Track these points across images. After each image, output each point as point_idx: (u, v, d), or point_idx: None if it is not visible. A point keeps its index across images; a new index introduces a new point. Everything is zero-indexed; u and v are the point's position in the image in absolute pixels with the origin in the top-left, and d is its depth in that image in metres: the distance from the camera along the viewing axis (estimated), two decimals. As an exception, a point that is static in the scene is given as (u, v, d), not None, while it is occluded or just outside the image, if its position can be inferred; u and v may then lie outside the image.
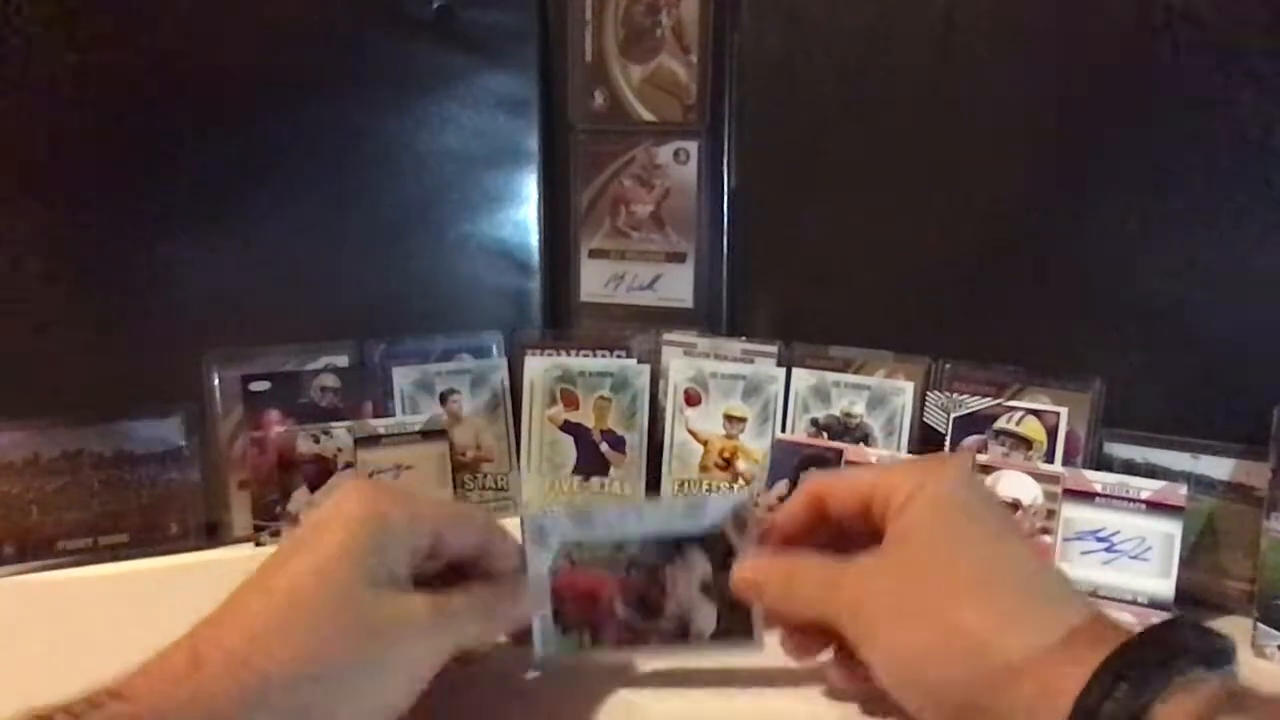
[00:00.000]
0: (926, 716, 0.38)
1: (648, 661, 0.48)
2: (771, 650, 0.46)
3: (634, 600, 0.46)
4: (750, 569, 0.45)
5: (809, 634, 0.44)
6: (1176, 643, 0.34)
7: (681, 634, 0.46)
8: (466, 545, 0.43)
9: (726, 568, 0.45)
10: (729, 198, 0.75)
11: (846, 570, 0.41)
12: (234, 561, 0.52)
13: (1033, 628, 0.36)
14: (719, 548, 0.46)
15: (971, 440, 0.64)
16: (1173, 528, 0.55)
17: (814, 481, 0.46)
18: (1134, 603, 0.55)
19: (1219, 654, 0.34)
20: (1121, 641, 0.34)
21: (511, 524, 0.47)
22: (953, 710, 0.36)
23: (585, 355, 0.73)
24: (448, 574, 0.43)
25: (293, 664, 0.35)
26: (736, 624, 0.45)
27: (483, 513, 0.50)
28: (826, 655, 0.45)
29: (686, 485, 0.70)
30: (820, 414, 0.68)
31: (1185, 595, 0.56)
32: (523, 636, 0.46)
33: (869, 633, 0.39)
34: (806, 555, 0.44)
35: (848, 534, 0.44)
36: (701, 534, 0.46)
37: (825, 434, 0.67)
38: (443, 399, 0.71)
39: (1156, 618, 0.54)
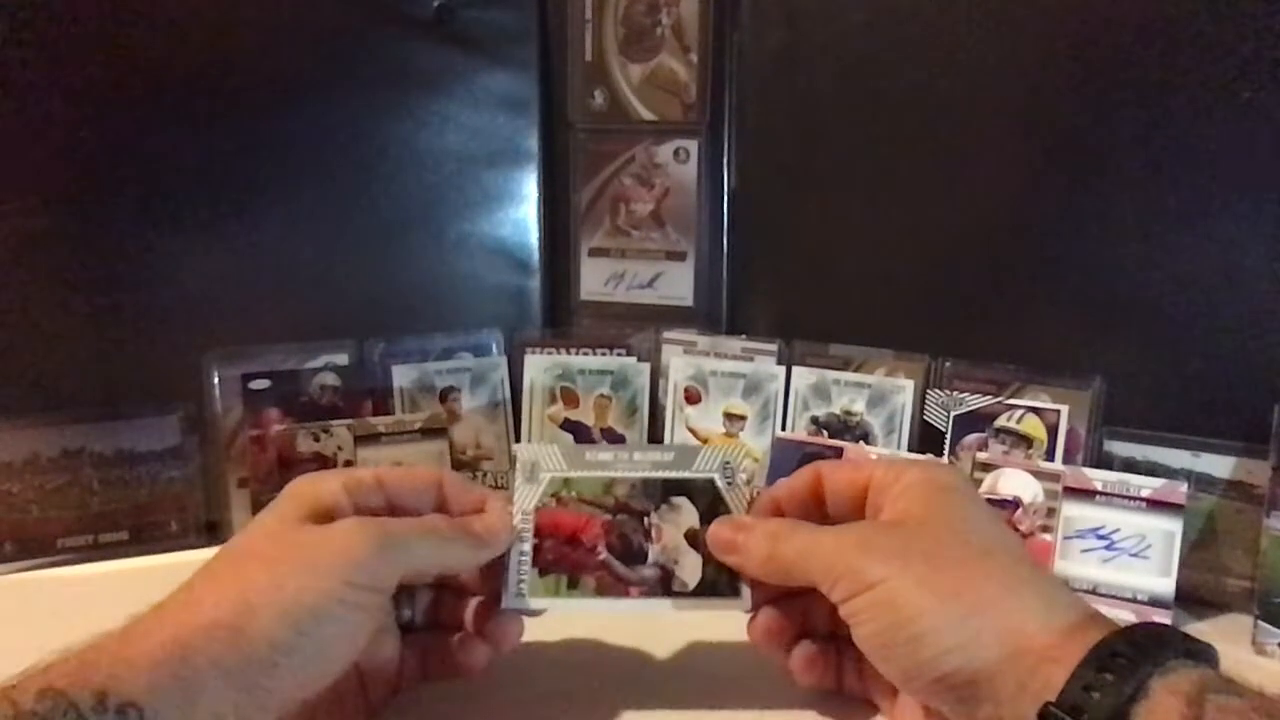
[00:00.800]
0: (911, 683, 0.38)
1: (625, 614, 0.46)
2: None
3: (617, 543, 0.46)
4: (731, 527, 0.44)
5: (786, 611, 0.44)
6: (1170, 637, 0.35)
7: (664, 584, 0.45)
8: (422, 495, 0.44)
9: (713, 518, 0.45)
10: (729, 197, 0.75)
11: (840, 532, 0.41)
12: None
13: (1036, 602, 0.37)
14: (707, 500, 0.46)
15: (972, 438, 0.64)
16: (1173, 525, 0.55)
17: (817, 463, 0.46)
18: (1134, 600, 0.55)
19: (1207, 656, 0.35)
20: (1117, 629, 0.35)
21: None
22: (942, 674, 0.36)
23: (585, 354, 0.73)
24: None
25: (227, 603, 0.36)
26: (721, 579, 0.45)
27: (432, 466, 0.50)
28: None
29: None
30: (820, 412, 0.68)
31: (1185, 593, 0.56)
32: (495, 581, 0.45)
33: (865, 591, 0.38)
34: (792, 520, 0.44)
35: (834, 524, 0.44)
36: (691, 483, 0.46)
37: (825, 432, 0.67)
38: (443, 397, 0.71)
39: (1157, 616, 0.54)
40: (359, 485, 0.43)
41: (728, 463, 0.47)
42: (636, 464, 0.47)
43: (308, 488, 0.42)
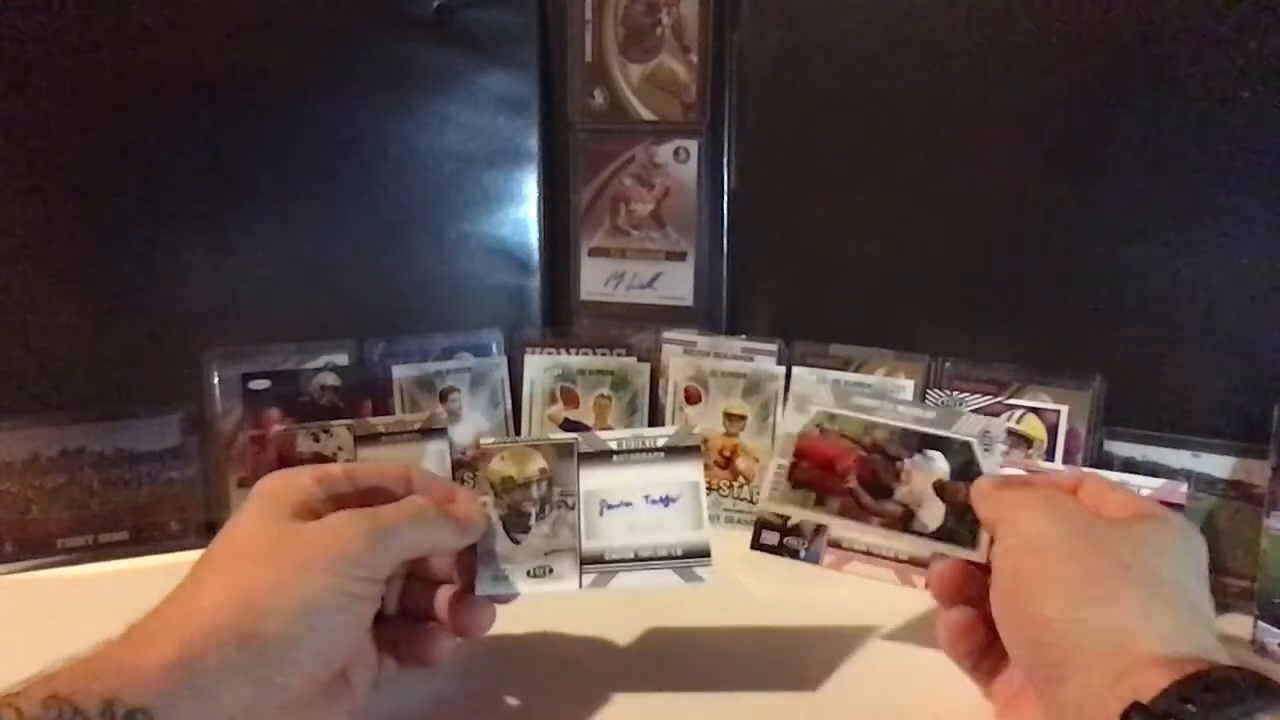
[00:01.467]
0: (1011, 641, 0.40)
1: (865, 536, 0.49)
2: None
3: (867, 477, 0.49)
4: (996, 481, 0.46)
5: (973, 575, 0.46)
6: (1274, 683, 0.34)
7: (904, 521, 0.48)
8: (391, 489, 0.45)
9: (964, 477, 0.47)
10: (729, 197, 0.75)
11: (1042, 489, 0.43)
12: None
13: (1167, 623, 0.37)
14: (962, 460, 0.48)
15: (971, 438, 0.64)
16: (1173, 525, 0.55)
17: (1090, 471, 0.49)
18: (1134, 600, 0.55)
19: None
20: (1234, 666, 0.34)
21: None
22: (1039, 642, 0.38)
23: (585, 354, 0.73)
24: None
25: (227, 603, 0.37)
26: (961, 529, 0.47)
27: (431, 466, 0.53)
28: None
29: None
30: (820, 412, 0.68)
31: (1185, 593, 0.56)
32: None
33: (1007, 538, 0.41)
34: None
35: None
36: (948, 441, 0.49)
37: (825, 432, 0.67)
38: (443, 397, 0.71)
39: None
40: (331, 479, 0.43)
41: (988, 431, 0.49)
42: (900, 414, 0.50)
43: (282, 484, 0.43)
